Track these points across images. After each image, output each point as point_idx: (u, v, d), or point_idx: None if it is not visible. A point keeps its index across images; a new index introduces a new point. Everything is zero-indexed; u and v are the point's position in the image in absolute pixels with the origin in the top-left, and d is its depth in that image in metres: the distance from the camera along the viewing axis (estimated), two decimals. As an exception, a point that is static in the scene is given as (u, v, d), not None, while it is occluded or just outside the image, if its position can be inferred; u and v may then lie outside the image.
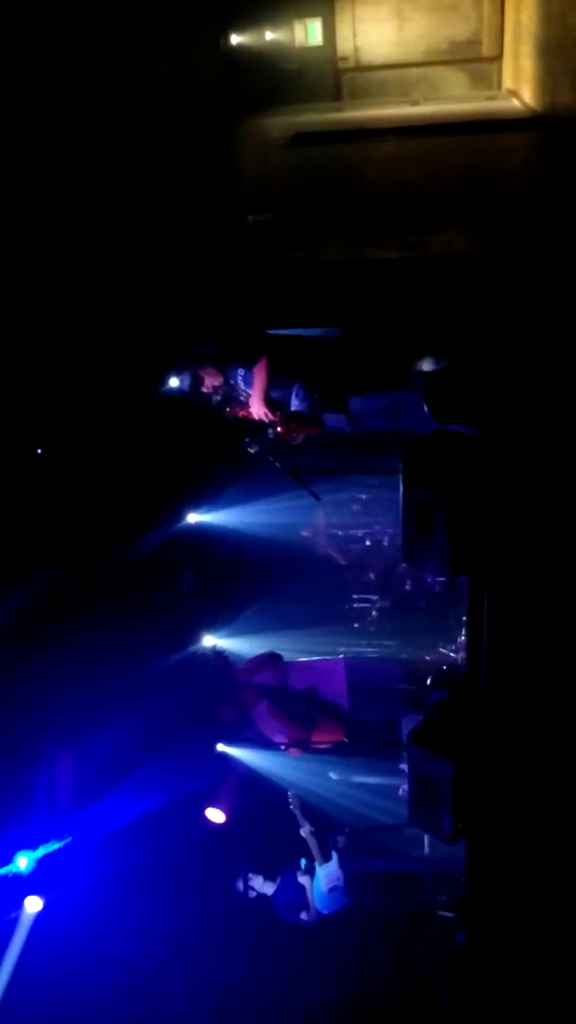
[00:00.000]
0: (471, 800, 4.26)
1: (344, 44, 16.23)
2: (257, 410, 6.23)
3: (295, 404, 6.21)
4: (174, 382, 6.31)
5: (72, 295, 5.48)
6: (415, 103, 14.86)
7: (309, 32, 16.21)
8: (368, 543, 8.70)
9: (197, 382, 6.31)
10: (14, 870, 5.43)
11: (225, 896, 6.58)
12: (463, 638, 6.76)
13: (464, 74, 15.94)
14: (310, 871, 6.60)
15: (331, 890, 6.46)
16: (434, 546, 4.08)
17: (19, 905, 5.43)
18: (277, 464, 6.78)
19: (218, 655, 7.54)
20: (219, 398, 6.44)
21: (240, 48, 16.02)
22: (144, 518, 6.96)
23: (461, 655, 7.05)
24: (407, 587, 8.35)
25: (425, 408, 4.53)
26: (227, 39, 15.79)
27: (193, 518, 7.65)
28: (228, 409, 6.52)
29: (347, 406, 6.01)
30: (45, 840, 5.57)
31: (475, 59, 15.79)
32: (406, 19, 15.85)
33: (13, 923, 5.41)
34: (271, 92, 15.65)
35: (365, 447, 6.80)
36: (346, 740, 7.15)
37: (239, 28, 15.99)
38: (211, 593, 7.92)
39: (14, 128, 7.13)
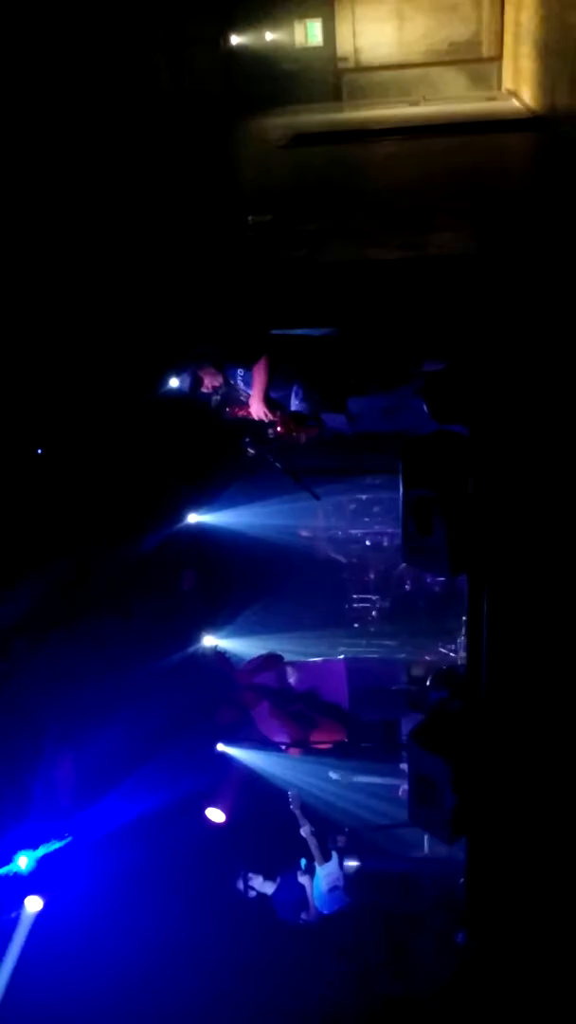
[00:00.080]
0: (471, 800, 4.26)
1: (344, 44, 16.23)
2: (257, 410, 6.25)
3: (294, 404, 6.22)
4: (174, 382, 6.32)
5: (72, 295, 5.48)
6: (415, 103, 14.86)
7: (309, 32, 16.21)
8: (368, 543, 8.68)
9: (197, 382, 6.32)
10: (14, 870, 5.43)
11: (225, 896, 6.59)
12: (463, 638, 6.76)
13: (464, 74, 15.94)
14: (310, 871, 6.60)
15: (331, 890, 6.46)
16: (434, 546, 4.09)
17: (19, 905, 5.42)
18: (277, 464, 6.79)
19: (218, 655, 7.54)
20: (219, 398, 6.46)
21: (240, 48, 16.03)
22: (144, 518, 6.95)
23: (461, 655, 7.05)
24: (407, 587, 8.35)
25: (424, 408, 4.54)
26: (227, 39, 15.80)
27: (193, 518, 7.65)
28: (228, 409, 6.54)
29: (346, 406, 6.02)
30: (45, 840, 5.57)
31: (475, 59, 15.79)
32: (406, 19, 15.85)
33: (13, 923, 5.41)
34: (271, 92, 15.66)
35: (365, 447, 6.81)
36: (346, 740, 7.15)
37: (239, 28, 15.99)
38: (211, 593, 7.92)
39: (15, 128, 7.13)
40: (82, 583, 6.41)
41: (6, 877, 5.40)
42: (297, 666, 7.69)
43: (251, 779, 6.91)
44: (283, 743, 6.97)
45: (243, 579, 7.86)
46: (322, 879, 6.48)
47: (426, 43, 15.90)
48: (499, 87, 15.47)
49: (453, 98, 15.08)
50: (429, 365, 5.32)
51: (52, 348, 5.37)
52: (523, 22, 12.41)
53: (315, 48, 16.26)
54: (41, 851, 5.52)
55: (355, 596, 8.50)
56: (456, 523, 4.02)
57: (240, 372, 6.30)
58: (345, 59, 16.30)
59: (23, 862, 5.44)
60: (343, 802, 7.06)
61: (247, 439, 6.83)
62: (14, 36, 7.37)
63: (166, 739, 6.30)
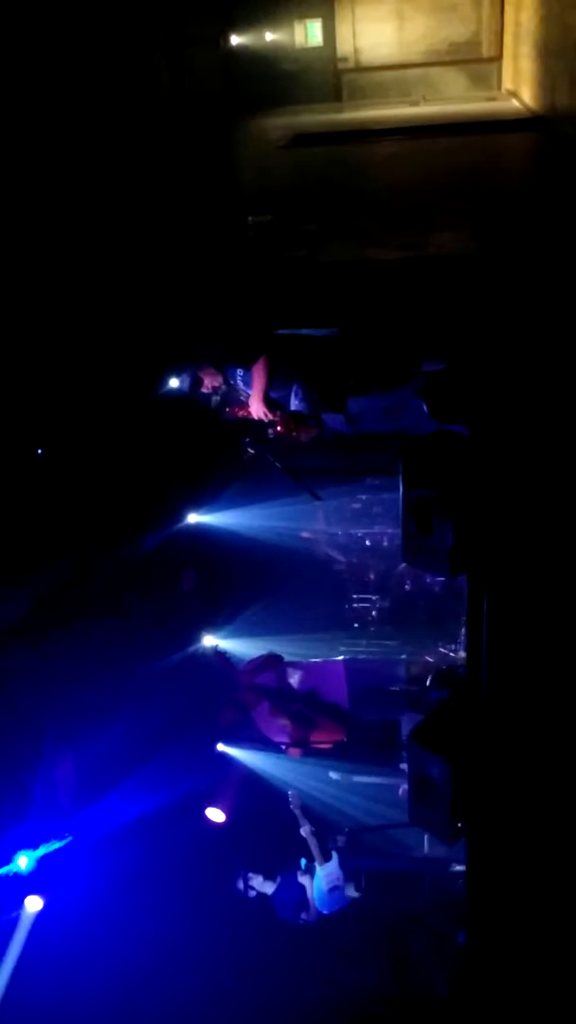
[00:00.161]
0: (471, 800, 4.26)
1: (344, 45, 16.24)
2: (256, 410, 6.26)
3: (294, 404, 6.23)
4: (174, 383, 6.33)
5: (71, 295, 5.48)
6: (415, 104, 14.87)
7: (309, 33, 16.22)
8: (368, 543, 8.69)
9: (197, 382, 6.33)
10: (14, 870, 5.43)
11: (225, 896, 6.58)
12: (463, 638, 6.76)
13: (464, 75, 15.95)
14: (310, 871, 6.60)
15: (331, 890, 6.46)
16: (434, 546, 4.09)
17: (19, 905, 5.42)
18: (277, 464, 6.80)
19: (218, 655, 7.54)
20: (219, 398, 6.46)
21: (240, 48, 16.04)
22: (144, 518, 6.95)
23: (461, 655, 7.05)
24: (407, 587, 8.35)
25: (424, 408, 4.54)
26: (227, 39, 15.80)
27: (193, 518, 7.66)
28: (228, 409, 6.54)
29: (346, 406, 6.02)
30: (45, 840, 5.56)
31: (475, 60, 15.80)
32: (406, 20, 15.86)
33: (13, 923, 5.41)
34: (271, 92, 15.67)
35: (365, 447, 6.81)
36: (346, 740, 7.15)
37: (239, 28, 16.00)
38: (211, 593, 7.92)
39: (15, 129, 7.13)
40: (82, 583, 6.41)
41: (6, 877, 5.40)
42: (297, 666, 7.69)
43: (251, 779, 6.91)
44: (283, 743, 6.97)
45: (243, 579, 7.86)
46: (322, 879, 6.48)
47: (426, 43, 15.91)
48: (499, 87, 15.47)
49: (453, 98, 15.09)
50: (429, 365, 5.32)
51: (52, 348, 5.37)
52: (523, 22, 12.41)
53: (315, 48, 16.27)
54: (41, 851, 5.51)
55: (355, 596, 8.51)
56: (456, 523, 4.02)
57: (240, 372, 6.30)
58: (345, 59, 16.31)
59: (23, 862, 5.44)
60: (343, 802, 7.06)
61: (247, 439, 6.84)
62: (14, 36, 7.37)
63: (166, 739, 6.30)
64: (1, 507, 5.52)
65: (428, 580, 8.01)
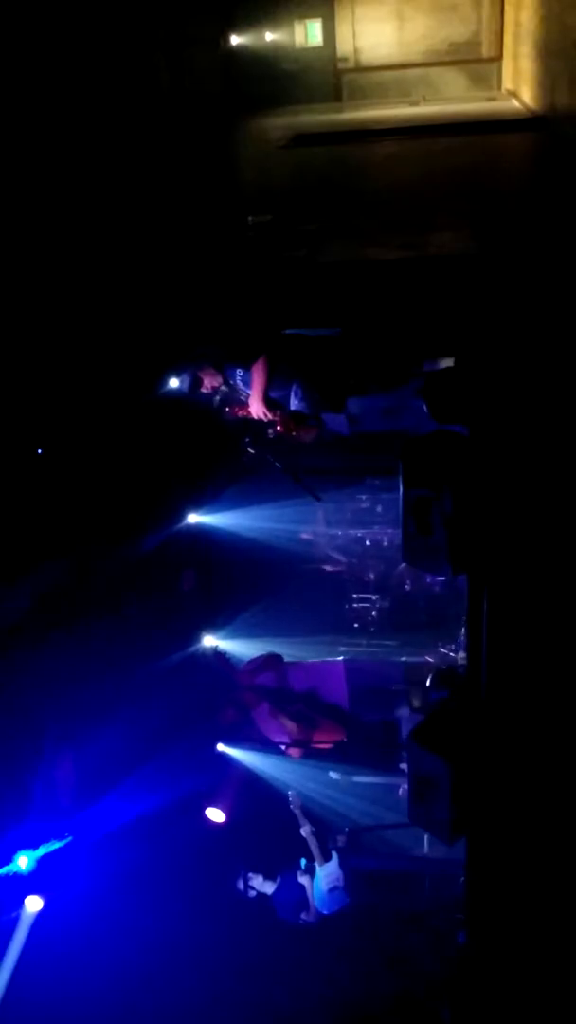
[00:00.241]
0: (471, 800, 4.26)
1: (344, 45, 16.24)
2: (256, 410, 6.25)
3: (294, 404, 6.23)
4: (174, 383, 6.33)
5: (72, 295, 5.48)
6: (415, 104, 14.87)
7: (309, 33, 16.22)
8: (368, 543, 8.69)
9: (196, 383, 6.33)
10: (14, 870, 5.43)
11: (225, 896, 6.58)
12: (463, 638, 6.76)
13: (464, 75, 15.95)
14: (310, 871, 6.60)
15: (331, 890, 6.46)
16: (434, 546, 4.09)
17: (19, 905, 5.42)
18: (277, 464, 6.80)
19: (218, 656, 7.54)
20: (219, 399, 6.46)
21: (240, 48, 16.03)
22: (144, 518, 6.95)
23: (461, 655, 7.05)
24: (407, 587, 8.35)
25: (424, 408, 4.54)
26: (227, 39, 15.80)
27: (193, 518, 7.66)
28: (228, 409, 6.54)
29: (346, 406, 6.02)
30: (45, 840, 5.57)
31: (475, 60, 15.80)
32: (406, 20, 15.86)
33: (13, 923, 5.41)
34: (271, 92, 15.67)
35: (365, 447, 6.81)
36: (346, 740, 7.15)
37: (239, 28, 16.00)
38: (211, 593, 7.92)
39: (15, 129, 7.13)
40: (82, 583, 6.41)
41: (6, 877, 5.40)
42: (297, 666, 7.68)
43: (251, 779, 6.91)
44: (283, 743, 6.97)
45: (243, 579, 7.86)
46: (322, 879, 6.48)
47: (426, 43, 15.90)
48: (499, 87, 15.47)
49: (453, 98, 15.09)
50: (429, 365, 5.32)
51: (52, 348, 5.37)
52: (523, 22, 12.41)
53: (315, 48, 16.27)
54: (41, 851, 5.51)
55: (355, 596, 8.51)
56: (456, 523, 4.02)
57: (239, 372, 6.30)
58: (345, 59, 16.31)
59: (23, 862, 5.44)
60: (343, 802, 7.06)
61: (247, 439, 6.84)
62: (14, 36, 7.37)
63: (166, 739, 6.30)
64: (1, 507, 5.53)
65: (428, 580, 8.01)
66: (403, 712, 7.20)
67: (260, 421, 6.38)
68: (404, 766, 6.15)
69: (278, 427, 6.36)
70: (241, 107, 15.07)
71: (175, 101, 12.24)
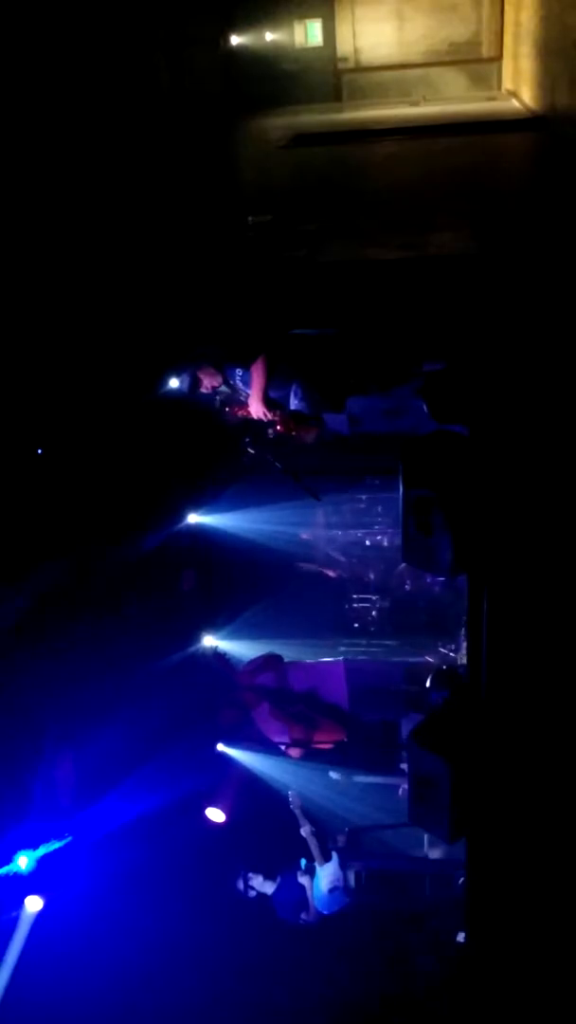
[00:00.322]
0: (471, 800, 4.26)
1: (344, 45, 16.23)
2: (256, 409, 6.26)
3: (294, 403, 6.23)
4: (173, 383, 6.33)
5: (72, 295, 5.48)
6: (415, 104, 14.87)
7: (309, 33, 16.21)
8: (368, 543, 8.70)
9: (196, 383, 6.33)
10: (14, 870, 5.43)
11: (225, 896, 6.59)
12: (463, 638, 6.77)
13: (464, 75, 15.95)
14: (310, 871, 6.60)
15: (331, 890, 6.46)
16: (434, 546, 4.09)
17: (19, 905, 5.43)
18: (277, 464, 6.80)
19: (218, 656, 7.54)
20: (219, 399, 6.47)
21: (240, 48, 16.03)
22: (144, 518, 6.96)
23: (461, 655, 7.05)
24: (407, 587, 8.36)
25: (424, 408, 4.54)
26: (227, 39, 15.79)
27: (193, 518, 7.66)
28: (228, 409, 6.55)
29: (345, 406, 6.02)
30: (45, 840, 5.57)
31: (475, 60, 15.79)
32: (406, 20, 15.85)
33: (13, 923, 5.41)
34: (271, 92, 15.66)
35: (365, 447, 6.81)
36: (346, 740, 7.15)
37: (239, 28, 15.99)
38: (211, 593, 7.92)
39: (14, 129, 7.13)
40: (82, 583, 6.41)
41: (6, 877, 5.40)
42: (297, 666, 7.68)
43: (251, 779, 6.91)
44: (283, 743, 6.97)
45: (243, 579, 7.86)
46: (322, 879, 6.48)
47: (426, 43, 15.90)
48: (499, 87, 15.47)
49: (453, 98, 15.08)
50: (429, 365, 5.32)
51: (52, 348, 5.37)
52: (523, 22, 12.41)
53: (315, 48, 16.26)
54: (41, 851, 5.52)
55: (355, 596, 8.51)
56: (456, 523, 4.02)
57: (239, 372, 6.31)
58: (345, 59, 16.30)
59: (23, 862, 5.45)
60: (343, 802, 7.06)
61: (247, 439, 6.84)
62: (14, 36, 7.37)
63: (166, 739, 6.30)
64: (1, 507, 5.53)
65: (428, 580, 8.01)
66: (403, 712, 7.20)
67: (260, 421, 6.38)
68: (404, 766, 6.15)
69: (278, 427, 6.37)
70: (241, 107, 15.07)
71: (175, 101, 12.24)
